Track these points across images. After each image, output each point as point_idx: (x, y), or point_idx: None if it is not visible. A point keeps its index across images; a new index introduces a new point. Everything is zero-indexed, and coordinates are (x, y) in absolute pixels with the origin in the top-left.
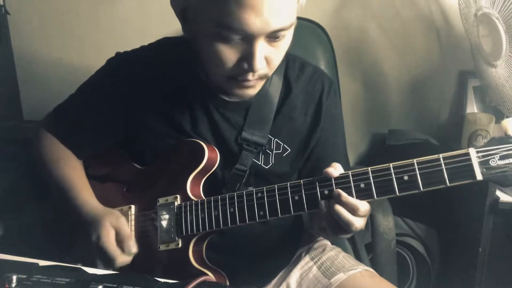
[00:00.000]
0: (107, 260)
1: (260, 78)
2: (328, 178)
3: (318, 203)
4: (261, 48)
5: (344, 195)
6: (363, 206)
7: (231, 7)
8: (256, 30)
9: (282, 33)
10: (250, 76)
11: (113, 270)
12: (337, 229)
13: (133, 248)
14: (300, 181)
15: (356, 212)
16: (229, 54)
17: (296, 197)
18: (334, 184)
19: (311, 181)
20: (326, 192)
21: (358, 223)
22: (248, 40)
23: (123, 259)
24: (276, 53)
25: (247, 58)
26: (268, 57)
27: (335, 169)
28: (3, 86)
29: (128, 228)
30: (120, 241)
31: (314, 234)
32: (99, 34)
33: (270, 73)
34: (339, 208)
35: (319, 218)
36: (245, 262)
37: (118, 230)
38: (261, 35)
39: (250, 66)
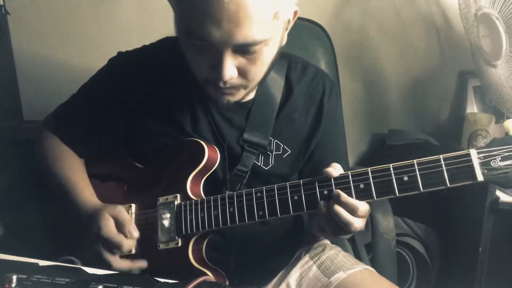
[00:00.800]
0: (113, 248)
1: (235, 87)
2: (327, 178)
3: (318, 203)
4: (230, 58)
5: (343, 195)
6: (363, 206)
7: (194, 16)
8: (217, 41)
9: (253, 48)
10: (221, 84)
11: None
12: (337, 229)
13: (134, 232)
14: (300, 181)
15: (356, 212)
16: (200, 59)
17: (296, 197)
18: (333, 185)
19: (311, 181)
20: (325, 192)
21: (358, 223)
22: (215, 48)
23: (128, 243)
24: (251, 66)
25: (215, 66)
26: (241, 69)
27: (335, 169)
28: (3, 86)
29: (126, 214)
30: (120, 228)
31: (314, 234)
32: (99, 34)
33: (249, 84)
34: (338, 208)
35: (318, 218)
36: (245, 262)
37: (117, 218)
38: (224, 46)
39: (218, 74)
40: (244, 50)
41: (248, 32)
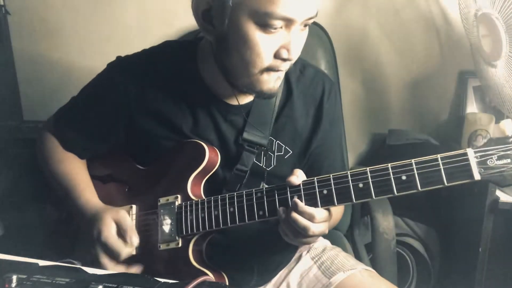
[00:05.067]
0: (111, 255)
1: (287, 70)
2: (288, 185)
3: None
4: (296, 36)
5: (300, 204)
6: (320, 214)
7: None
8: (297, 15)
9: (311, 21)
10: (283, 67)
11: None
12: (295, 233)
13: (135, 239)
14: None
15: (313, 220)
16: (268, 43)
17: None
18: (333, 184)
19: (311, 180)
20: (292, 197)
21: (315, 228)
22: (287, 27)
23: (127, 251)
24: (301, 43)
25: (286, 46)
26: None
27: (297, 177)
28: (3, 86)
29: (129, 219)
30: (121, 234)
31: None
32: (99, 34)
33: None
34: (295, 215)
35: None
36: (245, 262)
37: (119, 223)
38: (300, 20)
39: (289, 53)
40: (306, 24)
41: (316, 5)
